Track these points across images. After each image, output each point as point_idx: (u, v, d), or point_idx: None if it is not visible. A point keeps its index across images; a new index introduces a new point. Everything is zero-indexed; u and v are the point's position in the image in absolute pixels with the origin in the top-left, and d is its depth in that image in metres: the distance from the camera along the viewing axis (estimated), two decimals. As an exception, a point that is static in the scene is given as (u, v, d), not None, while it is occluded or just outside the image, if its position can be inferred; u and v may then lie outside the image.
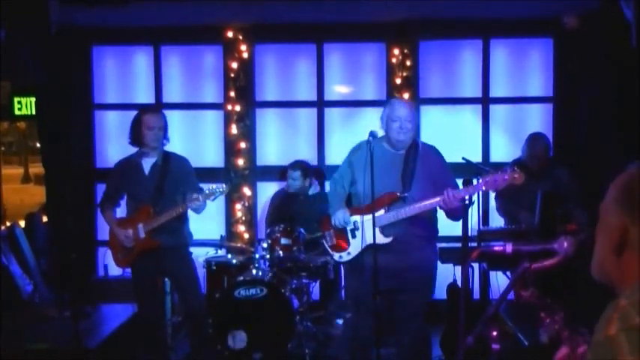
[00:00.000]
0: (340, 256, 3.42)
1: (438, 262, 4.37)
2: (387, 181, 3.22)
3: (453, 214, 3.28)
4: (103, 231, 5.06)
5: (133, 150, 4.03)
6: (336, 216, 3.42)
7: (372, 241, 3.24)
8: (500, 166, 3.42)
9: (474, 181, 3.09)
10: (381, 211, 3.24)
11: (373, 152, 3.17)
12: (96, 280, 5.19)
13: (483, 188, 2.98)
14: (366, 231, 3.30)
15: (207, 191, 3.80)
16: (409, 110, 3.35)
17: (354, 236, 3.39)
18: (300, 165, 5.07)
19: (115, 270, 4.99)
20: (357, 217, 3.37)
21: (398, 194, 3.26)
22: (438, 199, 3.14)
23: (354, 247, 3.37)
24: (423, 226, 3.34)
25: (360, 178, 3.37)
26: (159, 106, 5.54)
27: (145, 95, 5.65)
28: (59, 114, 5.42)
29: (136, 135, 3.92)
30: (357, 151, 3.43)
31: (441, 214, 3.40)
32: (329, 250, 3.49)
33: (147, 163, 3.96)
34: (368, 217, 3.29)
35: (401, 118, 3.30)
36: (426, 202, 3.18)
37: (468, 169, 3.81)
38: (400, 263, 3.25)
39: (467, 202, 3.05)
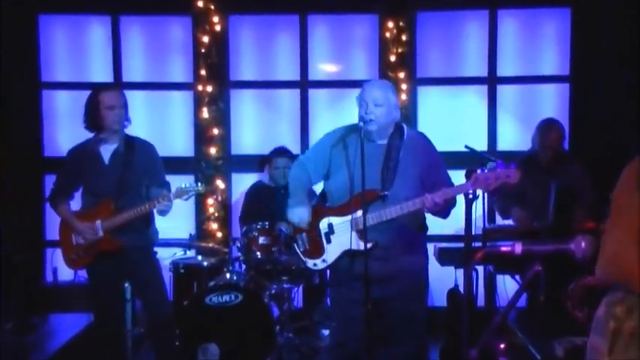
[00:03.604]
0: (315, 264, 3.36)
1: (438, 265, 4.42)
2: (365, 177, 3.11)
3: (438, 214, 3.25)
4: (53, 229, 4.99)
5: (88, 135, 3.97)
6: (293, 210, 3.32)
7: (349, 247, 3.20)
8: (508, 155, 3.41)
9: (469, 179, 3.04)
10: (358, 213, 3.17)
11: (363, 142, 3.11)
12: (44, 287, 5.16)
13: (472, 188, 2.93)
14: (342, 235, 3.25)
15: (179, 189, 3.76)
16: (382, 93, 3.24)
17: (329, 241, 3.31)
18: (286, 151, 5.08)
19: (66, 274, 4.96)
20: (332, 219, 3.30)
21: (378, 192, 3.19)
22: (416, 201, 3.10)
23: (330, 253, 3.31)
24: (408, 228, 3.28)
25: (337, 173, 3.31)
26: (116, 85, 5.48)
27: (101, 73, 5.59)
28: (0, 94, 5.32)
29: (93, 118, 3.86)
30: (337, 140, 3.36)
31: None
32: (302, 256, 3.42)
33: (106, 151, 3.90)
34: (344, 219, 3.25)
35: (368, 102, 3.21)
36: (409, 203, 3.13)
37: (471, 159, 3.80)
38: (384, 271, 3.20)
39: (470, 196, 3.03)
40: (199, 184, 3.85)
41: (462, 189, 3.06)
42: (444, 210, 3.19)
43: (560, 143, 4.59)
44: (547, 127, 4.60)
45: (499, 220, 5.19)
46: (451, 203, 3.23)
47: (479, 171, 2.94)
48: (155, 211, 3.85)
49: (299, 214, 3.31)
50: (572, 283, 2.37)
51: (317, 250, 3.35)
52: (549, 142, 4.54)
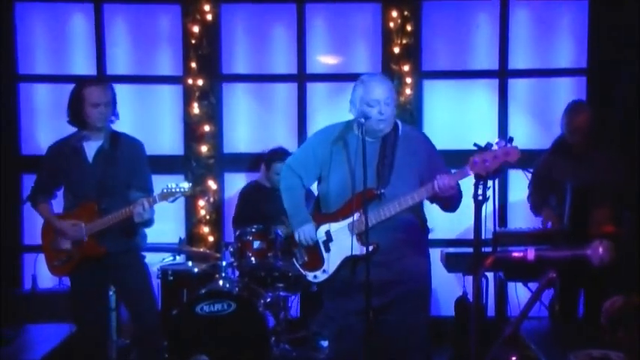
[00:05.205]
0: (315, 276, 3.39)
1: (445, 272, 4.42)
2: (361, 177, 3.15)
3: (449, 204, 3.27)
4: (31, 233, 4.99)
5: (70, 131, 3.96)
6: (301, 231, 3.37)
7: (350, 253, 3.23)
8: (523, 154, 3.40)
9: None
10: (356, 215, 3.21)
11: (365, 140, 3.14)
12: (21, 295, 5.13)
13: (471, 172, 2.95)
14: (341, 241, 3.28)
15: (164, 191, 3.75)
16: (388, 89, 3.29)
17: (327, 249, 3.35)
18: (286, 153, 5.07)
19: (45, 281, 4.95)
20: (329, 226, 3.34)
21: (375, 192, 3.22)
22: (426, 188, 3.13)
23: (330, 262, 3.34)
24: (409, 228, 3.30)
25: (337, 173, 3.33)
26: (102, 79, 5.48)
27: (83, 65, 5.59)
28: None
29: (76, 113, 3.86)
30: (335, 139, 3.37)
31: (432, 210, 3.38)
32: (300, 269, 3.46)
33: (90, 148, 3.90)
34: (342, 224, 3.28)
35: (380, 102, 3.24)
36: (407, 197, 3.16)
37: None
38: (384, 277, 3.22)
39: (480, 197, 3.04)
40: (186, 184, 3.82)
41: (461, 175, 3.08)
42: (455, 197, 3.20)
43: (589, 126, 4.46)
44: (574, 109, 4.51)
45: (510, 224, 5.21)
46: (459, 193, 3.24)
47: (478, 154, 2.95)
48: (135, 218, 3.78)
49: (308, 233, 3.36)
50: (609, 300, 2.37)
51: (316, 261, 3.38)
52: (577, 125, 4.43)
